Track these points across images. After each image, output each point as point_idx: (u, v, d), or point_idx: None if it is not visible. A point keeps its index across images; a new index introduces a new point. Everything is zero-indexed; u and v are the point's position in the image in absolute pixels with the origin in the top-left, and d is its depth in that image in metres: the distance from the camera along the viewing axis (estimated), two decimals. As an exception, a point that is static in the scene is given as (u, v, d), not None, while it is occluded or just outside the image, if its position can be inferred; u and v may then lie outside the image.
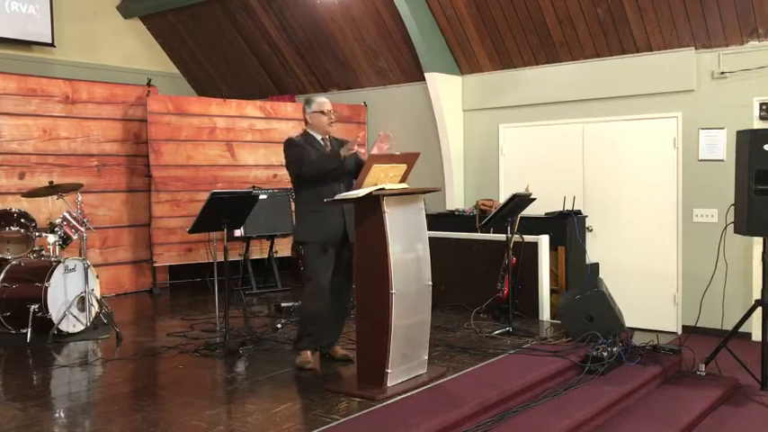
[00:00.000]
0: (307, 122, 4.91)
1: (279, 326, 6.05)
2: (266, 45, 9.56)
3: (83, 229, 6.00)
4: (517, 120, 7.95)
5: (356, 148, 4.66)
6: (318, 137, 4.87)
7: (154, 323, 6.61)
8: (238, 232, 7.44)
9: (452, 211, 8.02)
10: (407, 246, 4.31)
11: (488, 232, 6.59)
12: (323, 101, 4.89)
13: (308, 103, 4.90)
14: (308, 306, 4.77)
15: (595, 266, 7.16)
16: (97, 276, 6.25)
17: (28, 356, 5.28)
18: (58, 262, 5.84)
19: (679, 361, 5.58)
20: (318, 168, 4.66)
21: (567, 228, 6.82)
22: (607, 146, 7.29)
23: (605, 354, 5.06)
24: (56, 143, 7.59)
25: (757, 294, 5.36)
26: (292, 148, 4.78)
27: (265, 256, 8.39)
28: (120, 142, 8.08)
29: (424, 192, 4.57)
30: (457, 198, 8.31)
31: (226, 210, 5.18)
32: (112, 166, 8.02)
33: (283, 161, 4.87)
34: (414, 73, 8.50)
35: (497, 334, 5.68)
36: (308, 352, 4.79)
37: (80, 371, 4.87)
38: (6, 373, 4.86)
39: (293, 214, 7.92)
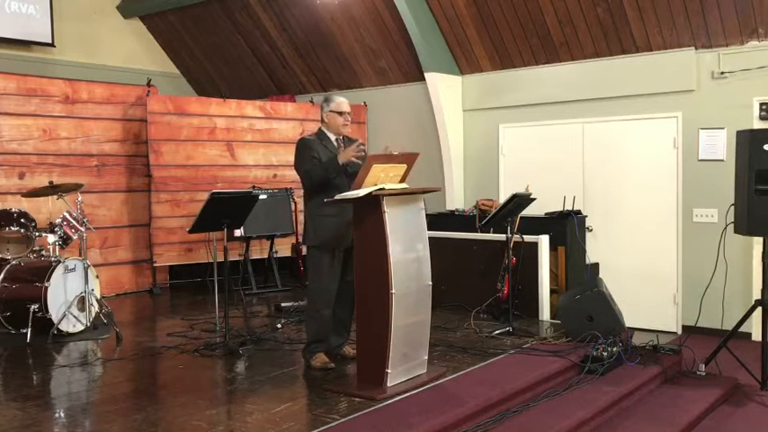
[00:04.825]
0: (323, 121, 4.89)
1: (279, 326, 6.06)
2: (266, 45, 9.56)
3: (83, 229, 6.00)
4: (517, 120, 7.95)
5: (359, 154, 4.58)
6: (332, 137, 4.85)
7: (154, 323, 6.61)
8: (238, 232, 7.44)
9: (452, 211, 8.01)
10: (407, 246, 4.30)
11: (488, 232, 6.59)
12: (341, 101, 4.86)
13: (326, 101, 4.87)
14: (317, 312, 4.74)
15: (595, 266, 7.15)
16: (97, 276, 6.25)
17: (28, 356, 5.28)
18: (58, 262, 5.84)
19: (679, 361, 5.58)
20: (319, 179, 4.61)
21: (567, 228, 6.81)
22: (607, 146, 7.29)
23: (605, 354, 5.06)
24: (56, 143, 7.59)
25: (757, 294, 5.36)
26: (302, 153, 4.73)
27: (265, 256, 8.39)
28: (120, 142, 8.08)
29: (424, 192, 4.57)
30: (457, 198, 8.31)
31: (226, 210, 5.18)
32: (112, 166, 8.02)
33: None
34: (414, 73, 8.49)
35: (497, 334, 5.68)
36: (323, 354, 4.78)
37: (80, 371, 4.87)
38: (6, 373, 4.86)
39: (293, 214, 8.04)
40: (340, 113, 4.82)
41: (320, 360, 4.74)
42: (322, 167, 4.64)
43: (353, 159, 4.57)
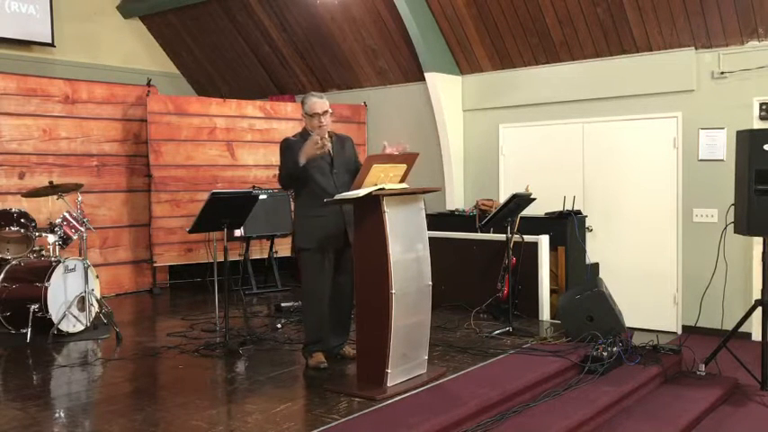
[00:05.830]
0: None
1: (279, 326, 6.06)
2: (266, 45, 9.56)
3: (83, 229, 6.00)
4: (517, 120, 7.95)
5: (320, 150, 4.56)
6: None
7: (154, 323, 6.61)
8: (238, 232, 7.43)
9: (452, 211, 8.01)
10: (407, 246, 4.30)
11: (488, 232, 6.59)
12: (313, 102, 4.74)
13: (302, 102, 4.84)
14: (312, 313, 4.75)
15: (595, 266, 7.15)
16: (97, 276, 6.25)
17: (28, 356, 5.28)
18: (58, 262, 5.84)
19: (679, 361, 5.58)
20: (286, 180, 4.72)
21: (567, 228, 6.81)
22: (607, 146, 7.29)
23: (605, 354, 5.06)
24: (56, 143, 7.59)
25: (757, 294, 5.36)
26: (283, 154, 4.75)
27: (265, 256, 8.39)
28: (119, 142, 8.08)
29: (424, 192, 4.57)
30: (457, 198, 8.31)
31: (226, 210, 5.17)
32: (112, 166, 8.02)
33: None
34: (414, 73, 8.49)
35: (497, 334, 5.68)
36: (320, 353, 4.78)
37: (80, 371, 4.87)
38: (6, 373, 4.87)
39: (293, 214, 8.03)
40: (312, 116, 4.74)
41: (316, 360, 4.74)
42: (285, 167, 4.68)
43: (318, 153, 4.53)
